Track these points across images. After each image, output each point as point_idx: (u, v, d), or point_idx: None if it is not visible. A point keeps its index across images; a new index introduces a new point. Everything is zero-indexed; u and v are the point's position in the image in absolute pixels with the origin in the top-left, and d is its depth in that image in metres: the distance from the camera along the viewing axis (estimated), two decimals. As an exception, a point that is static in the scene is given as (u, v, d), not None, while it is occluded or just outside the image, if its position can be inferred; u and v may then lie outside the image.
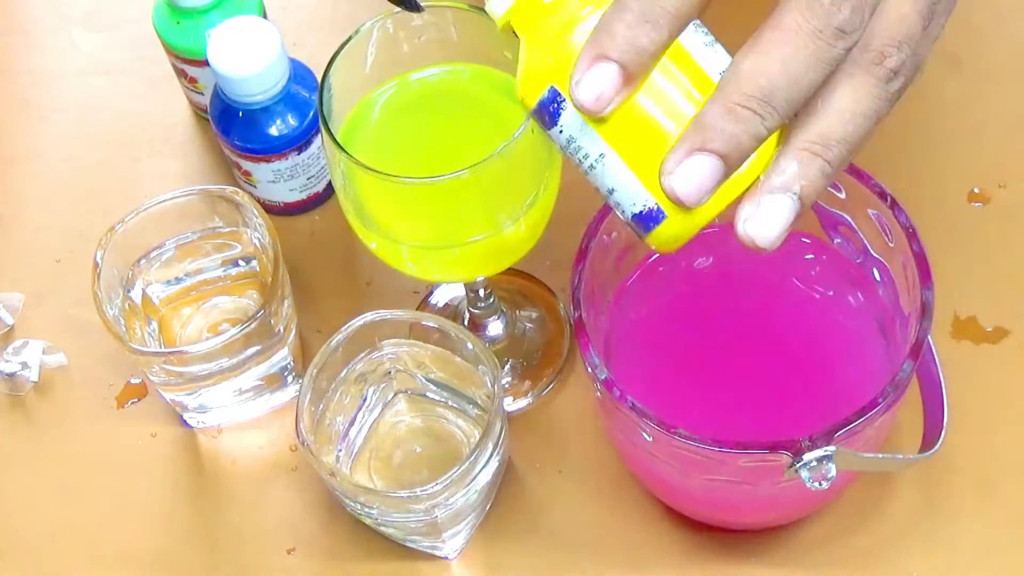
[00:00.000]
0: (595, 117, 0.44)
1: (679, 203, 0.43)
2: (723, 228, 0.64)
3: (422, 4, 0.53)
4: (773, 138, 0.44)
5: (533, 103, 0.46)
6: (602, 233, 0.59)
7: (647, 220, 0.45)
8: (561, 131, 0.45)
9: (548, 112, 0.45)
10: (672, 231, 0.45)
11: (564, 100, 0.44)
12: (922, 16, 0.44)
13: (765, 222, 0.43)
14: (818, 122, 0.43)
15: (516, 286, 0.73)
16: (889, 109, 0.44)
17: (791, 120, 0.43)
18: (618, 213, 0.46)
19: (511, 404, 0.69)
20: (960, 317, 0.69)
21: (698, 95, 0.44)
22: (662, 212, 0.45)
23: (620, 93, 0.43)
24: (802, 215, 0.44)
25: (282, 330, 0.67)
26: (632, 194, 0.45)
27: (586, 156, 0.45)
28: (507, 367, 0.70)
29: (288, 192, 0.75)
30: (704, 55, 0.44)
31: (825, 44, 0.41)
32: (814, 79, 0.42)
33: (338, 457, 0.65)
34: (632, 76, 0.42)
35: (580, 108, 0.43)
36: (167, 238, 0.69)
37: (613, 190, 0.45)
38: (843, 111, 0.43)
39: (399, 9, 0.53)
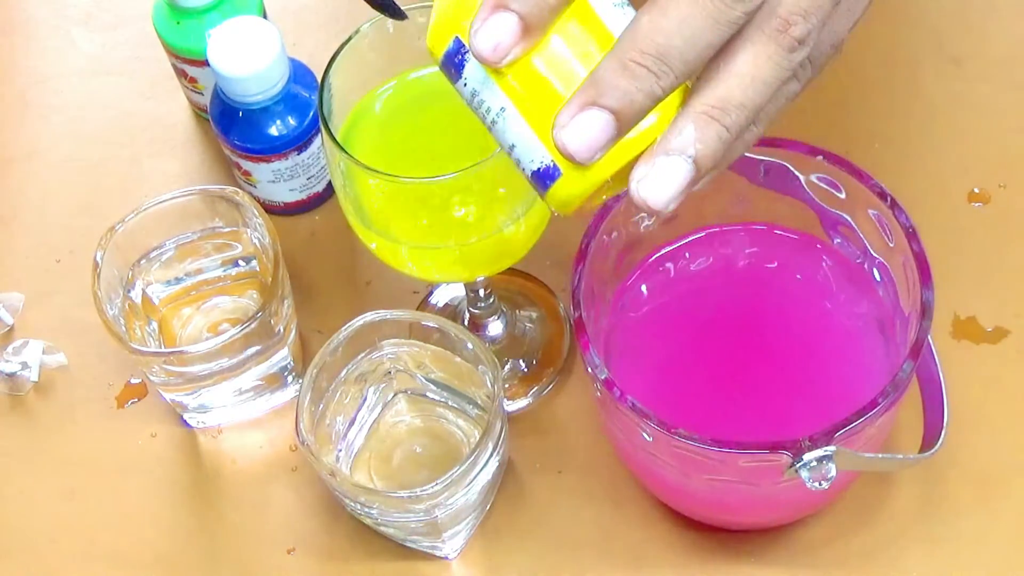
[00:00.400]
0: (495, 69, 0.43)
1: (570, 158, 0.42)
2: (723, 229, 0.64)
3: (406, 13, 0.53)
4: (675, 100, 0.43)
5: (440, 55, 0.45)
6: (602, 233, 0.59)
7: (544, 177, 0.45)
8: (465, 84, 0.45)
9: (453, 64, 0.45)
10: (567, 190, 0.45)
11: (467, 51, 0.44)
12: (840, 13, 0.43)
13: (658, 184, 0.42)
14: (718, 86, 0.42)
15: (516, 286, 0.73)
16: (796, 83, 0.43)
17: (693, 83, 0.43)
18: (519, 170, 0.46)
19: (511, 404, 0.69)
20: (960, 317, 0.69)
21: (598, 54, 0.43)
22: (558, 169, 0.44)
23: (518, 44, 0.42)
24: (697, 180, 0.43)
25: (282, 330, 0.67)
26: (530, 150, 0.44)
27: (488, 110, 0.45)
28: (507, 367, 0.70)
29: (288, 192, 0.75)
30: (610, 14, 0.43)
31: (724, 6, 0.41)
32: (712, 40, 0.41)
33: (338, 457, 0.65)
34: (531, 28, 0.42)
35: (478, 57, 0.43)
36: (167, 238, 0.69)
37: (514, 146, 0.45)
38: (743, 76, 0.42)
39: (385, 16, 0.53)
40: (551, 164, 0.44)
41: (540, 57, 0.43)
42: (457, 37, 0.44)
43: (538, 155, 0.44)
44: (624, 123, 0.42)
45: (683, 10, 0.41)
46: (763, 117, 0.43)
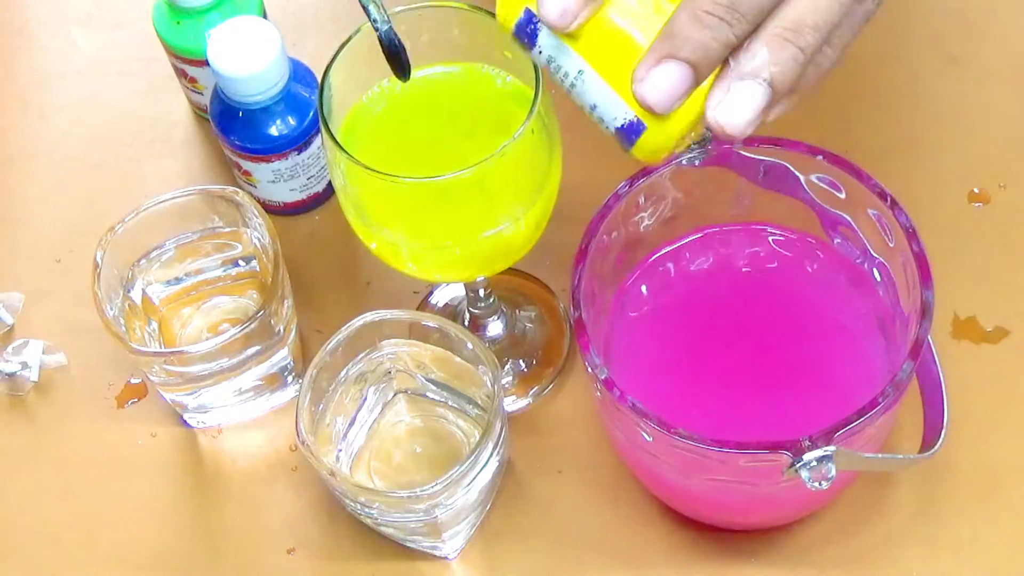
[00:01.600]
0: (567, 33, 0.44)
1: (650, 110, 0.43)
2: (723, 229, 0.64)
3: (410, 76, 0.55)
4: None
5: (511, 26, 0.46)
6: (602, 233, 0.59)
7: (629, 133, 0.46)
8: (540, 52, 0.46)
9: (525, 34, 0.46)
10: (653, 141, 0.46)
11: (538, 20, 0.45)
12: None
13: (735, 108, 0.42)
14: (790, 8, 0.42)
15: (516, 286, 0.73)
16: (870, 1, 0.43)
17: None
18: (603, 129, 0.47)
19: (511, 404, 0.69)
20: (960, 317, 0.69)
21: (668, 5, 0.44)
22: (642, 124, 0.45)
23: (585, 7, 0.43)
24: (774, 104, 0.43)
25: (282, 330, 0.67)
26: (612, 108, 0.45)
27: (566, 75, 0.46)
28: (507, 367, 0.70)
29: (288, 192, 0.75)
30: None
31: None
32: None
33: (338, 457, 0.65)
34: None
35: (548, 25, 0.44)
36: (167, 238, 0.69)
37: (595, 106, 0.46)
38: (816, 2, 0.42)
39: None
40: (635, 119, 0.45)
41: (611, 15, 0.44)
42: (527, 8, 0.45)
43: (620, 112, 0.45)
44: (701, 72, 0.42)
45: None
46: (837, 40, 0.44)
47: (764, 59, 0.42)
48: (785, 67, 0.42)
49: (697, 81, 0.43)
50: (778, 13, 0.42)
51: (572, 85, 0.46)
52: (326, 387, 0.64)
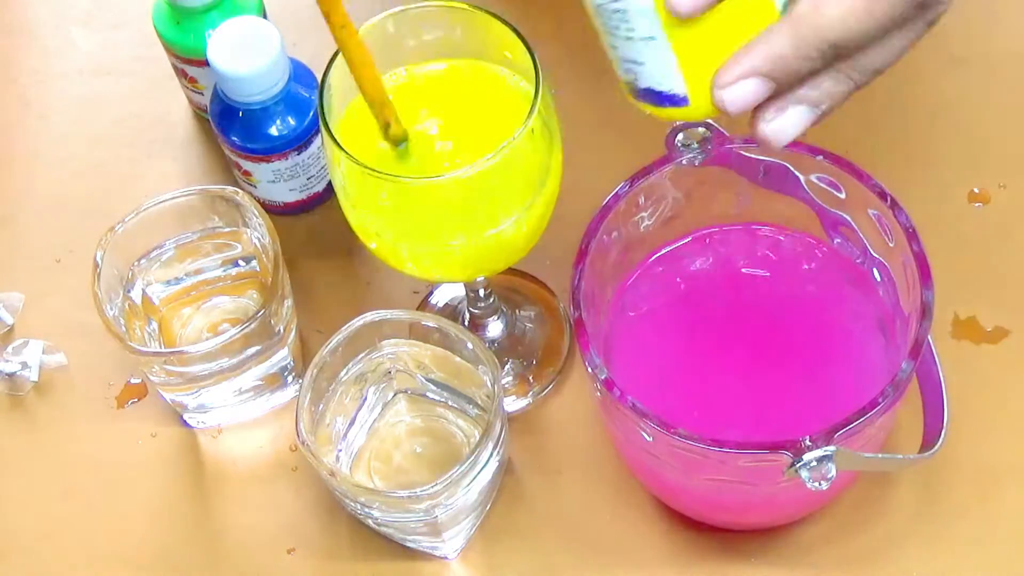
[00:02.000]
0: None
1: (724, 111, 0.45)
2: (723, 230, 0.64)
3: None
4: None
5: None
6: (602, 233, 0.59)
7: (665, 99, 0.47)
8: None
9: None
10: (686, 115, 0.47)
11: None
12: None
13: (787, 127, 0.45)
14: (866, 53, 0.44)
15: (516, 286, 0.73)
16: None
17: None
18: (626, 77, 0.47)
19: (511, 404, 0.69)
20: (960, 317, 0.69)
21: (762, 21, 0.45)
22: (686, 100, 0.46)
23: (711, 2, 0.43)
24: (816, 124, 0.46)
25: (282, 330, 0.67)
26: (664, 77, 0.46)
27: (630, 30, 0.46)
28: (507, 367, 0.70)
29: (288, 192, 0.75)
30: None
31: (901, 10, 0.43)
32: (891, 32, 0.44)
33: (338, 457, 0.65)
34: None
35: (671, 5, 0.43)
36: (167, 238, 0.69)
37: (642, 64, 0.46)
38: (890, 51, 0.45)
39: None
40: (682, 95, 0.46)
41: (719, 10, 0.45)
42: None
43: (670, 83, 0.46)
44: (780, 90, 0.44)
45: (873, 10, 0.43)
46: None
47: (826, 91, 0.45)
48: (839, 99, 0.46)
49: (770, 93, 0.45)
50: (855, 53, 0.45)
51: (628, 39, 0.46)
52: (326, 387, 0.64)
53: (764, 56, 0.44)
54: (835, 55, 0.44)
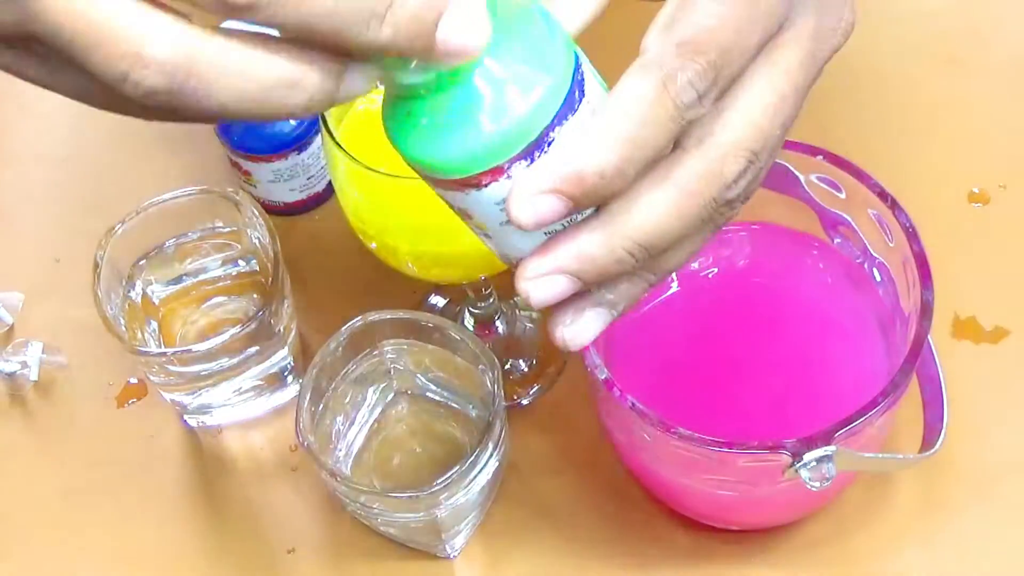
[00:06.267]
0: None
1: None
2: (723, 230, 0.64)
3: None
4: None
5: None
6: (602, 233, 0.59)
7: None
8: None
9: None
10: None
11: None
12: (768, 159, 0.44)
13: (585, 330, 0.44)
14: (665, 255, 0.43)
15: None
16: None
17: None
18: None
19: (511, 404, 0.69)
20: (960, 317, 0.69)
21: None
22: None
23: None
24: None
25: (282, 330, 0.67)
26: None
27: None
28: (507, 367, 0.70)
29: (288, 192, 0.75)
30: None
31: (715, 212, 0.42)
32: (693, 236, 0.43)
33: (338, 457, 0.65)
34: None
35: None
36: (167, 238, 0.69)
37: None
38: (685, 249, 0.43)
39: None
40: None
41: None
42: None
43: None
44: (587, 285, 0.43)
45: (680, 210, 0.41)
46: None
47: (623, 293, 0.43)
48: (636, 298, 0.44)
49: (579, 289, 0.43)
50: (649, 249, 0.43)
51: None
52: (326, 387, 0.64)
53: (578, 256, 0.42)
54: (647, 259, 0.42)
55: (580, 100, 0.41)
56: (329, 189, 0.76)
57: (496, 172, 0.40)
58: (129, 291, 0.68)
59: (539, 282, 0.42)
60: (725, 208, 0.42)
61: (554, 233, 0.42)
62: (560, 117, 0.40)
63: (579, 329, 0.44)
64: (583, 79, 0.41)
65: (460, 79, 0.39)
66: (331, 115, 0.57)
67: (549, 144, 0.40)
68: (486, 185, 0.41)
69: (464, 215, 0.43)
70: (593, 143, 0.40)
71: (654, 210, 0.41)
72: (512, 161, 0.40)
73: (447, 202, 0.43)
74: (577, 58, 0.41)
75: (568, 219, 0.41)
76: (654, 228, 0.41)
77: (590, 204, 0.41)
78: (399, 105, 0.41)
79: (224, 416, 0.70)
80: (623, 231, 0.41)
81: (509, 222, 0.41)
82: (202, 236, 0.69)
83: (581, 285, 0.42)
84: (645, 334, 0.63)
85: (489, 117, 0.39)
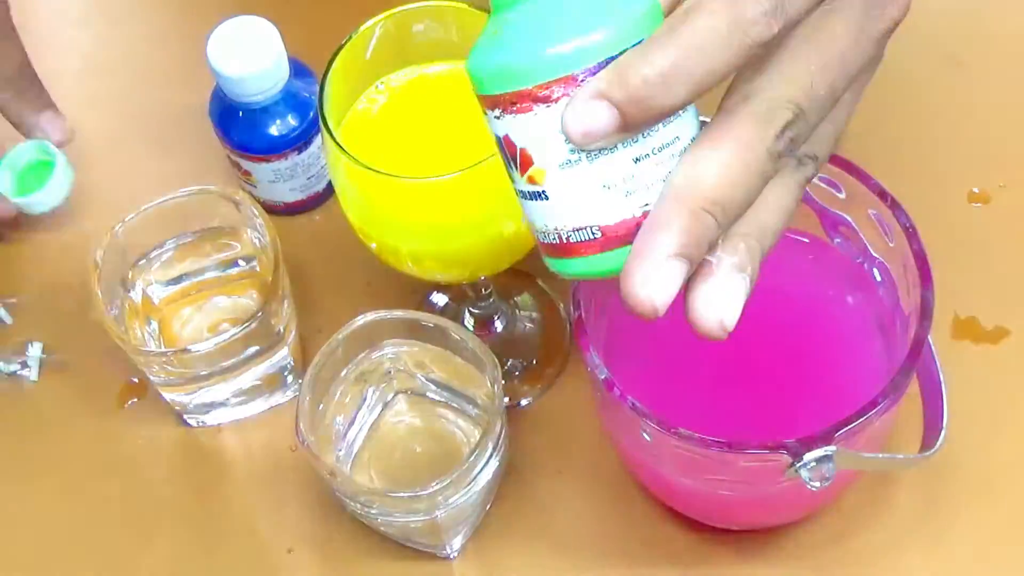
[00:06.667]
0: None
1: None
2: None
3: None
4: None
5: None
6: (602, 233, 0.59)
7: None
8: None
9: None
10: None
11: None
12: (836, 136, 0.46)
13: (728, 301, 0.43)
14: (758, 214, 0.43)
15: (516, 286, 0.73)
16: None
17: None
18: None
19: (511, 404, 0.69)
20: (960, 317, 0.69)
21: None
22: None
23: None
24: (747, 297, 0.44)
25: (282, 330, 0.67)
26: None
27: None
28: (507, 367, 0.70)
29: (288, 192, 0.75)
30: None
31: (772, 163, 0.42)
32: (759, 190, 0.43)
33: (338, 457, 0.65)
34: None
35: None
36: (167, 238, 0.69)
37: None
38: (777, 208, 0.44)
39: None
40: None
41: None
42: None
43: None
44: (691, 270, 0.42)
45: (742, 162, 0.42)
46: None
47: (745, 256, 0.43)
48: (756, 265, 0.44)
49: (687, 275, 0.42)
50: (746, 215, 0.43)
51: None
52: (326, 387, 0.64)
53: (668, 233, 0.41)
54: (728, 218, 0.42)
55: None
56: (329, 189, 0.76)
57: (569, 82, 0.40)
58: (129, 291, 0.68)
59: (652, 281, 0.41)
60: (781, 160, 0.42)
61: (612, 189, 0.41)
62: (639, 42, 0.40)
63: (722, 302, 0.43)
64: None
65: None
66: (331, 115, 0.57)
67: None
68: (556, 100, 0.40)
69: (524, 161, 0.42)
70: (642, 48, 0.40)
71: (716, 164, 0.41)
72: (587, 72, 0.39)
73: (511, 143, 0.42)
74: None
75: (628, 179, 0.41)
76: (720, 182, 0.41)
77: (636, 116, 0.40)
78: (489, 29, 0.41)
79: (224, 416, 0.70)
80: (694, 192, 0.41)
81: (569, 163, 0.40)
82: (202, 236, 0.69)
83: (689, 264, 0.41)
84: (645, 334, 0.63)
85: (573, 25, 0.39)
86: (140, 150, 0.80)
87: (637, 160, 0.41)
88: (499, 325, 0.71)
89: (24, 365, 0.72)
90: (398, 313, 0.63)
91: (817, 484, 0.53)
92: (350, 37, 0.58)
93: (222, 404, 0.70)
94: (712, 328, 0.43)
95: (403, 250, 0.59)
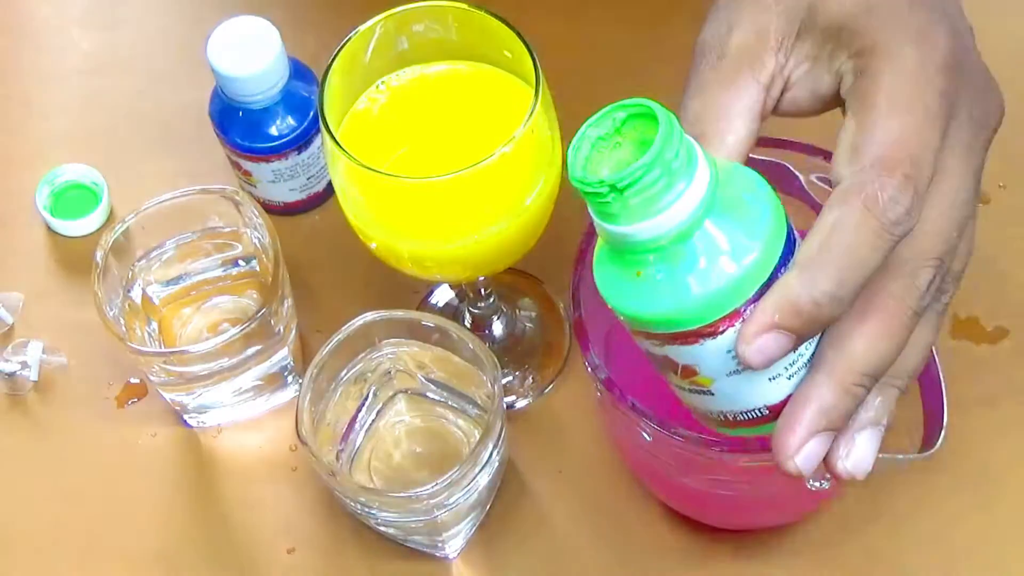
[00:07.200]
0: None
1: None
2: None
3: None
4: None
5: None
6: (602, 233, 0.59)
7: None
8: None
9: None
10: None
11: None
12: (970, 249, 0.47)
13: (863, 456, 0.45)
14: (902, 363, 0.45)
15: (516, 286, 0.73)
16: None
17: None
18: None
19: (511, 404, 0.69)
20: (960, 317, 0.69)
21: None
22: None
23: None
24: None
25: (282, 330, 0.67)
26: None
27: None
28: (507, 367, 0.70)
29: (288, 192, 0.75)
30: None
31: (919, 318, 0.44)
32: (908, 339, 0.44)
33: (338, 457, 0.65)
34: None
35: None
36: (167, 238, 0.69)
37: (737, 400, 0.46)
38: (917, 349, 0.46)
39: None
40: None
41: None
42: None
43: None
44: (839, 429, 0.45)
45: (891, 333, 0.44)
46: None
47: (879, 406, 0.45)
48: (892, 407, 0.46)
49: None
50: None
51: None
52: (326, 387, 0.64)
53: (819, 412, 0.43)
54: (876, 381, 0.44)
55: (797, 242, 0.43)
56: (329, 189, 0.76)
57: (734, 316, 0.42)
58: (129, 291, 0.68)
59: (802, 454, 0.44)
60: (927, 310, 0.44)
61: (777, 378, 0.44)
62: (784, 260, 0.42)
63: (859, 458, 0.45)
64: (791, 224, 0.43)
65: (693, 235, 0.41)
66: (331, 115, 0.57)
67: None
68: (723, 332, 0.42)
69: (687, 372, 0.44)
70: (804, 273, 0.41)
71: (864, 340, 0.43)
72: (748, 304, 0.42)
73: (671, 360, 0.44)
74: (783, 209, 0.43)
75: (791, 364, 0.43)
76: (870, 356, 0.43)
77: (811, 333, 0.42)
78: (622, 265, 0.43)
79: (224, 416, 0.70)
80: (845, 370, 0.43)
81: (737, 371, 0.43)
82: (202, 236, 0.69)
83: (834, 435, 0.44)
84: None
85: (727, 262, 0.41)
86: (140, 150, 0.80)
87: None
88: (499, 325, 0.71)
89: (24, 365, 0.72)
90: (398, 313, 0.63)
91: (817, 484, 0.53)
92: (350, 37, 0.58)
93: (222, 404, 0.70)
94: (844, 478, 0.45)
95: (403, 250, 0.59)
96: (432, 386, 0.67)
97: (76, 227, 0.76)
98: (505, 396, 0.65)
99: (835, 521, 0.65)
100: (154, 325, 0.70)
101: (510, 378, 0.70)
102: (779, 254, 0.42)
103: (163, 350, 0.69)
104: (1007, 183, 0.73)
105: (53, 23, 0.86)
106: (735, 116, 0.46)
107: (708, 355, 0.43)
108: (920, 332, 0.45)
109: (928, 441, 0.59)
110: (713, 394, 0.45)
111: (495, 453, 0.61)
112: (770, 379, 0.44)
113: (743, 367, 0.43)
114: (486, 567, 0.66)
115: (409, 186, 0.55)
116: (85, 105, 0.83)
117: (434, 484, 0.58)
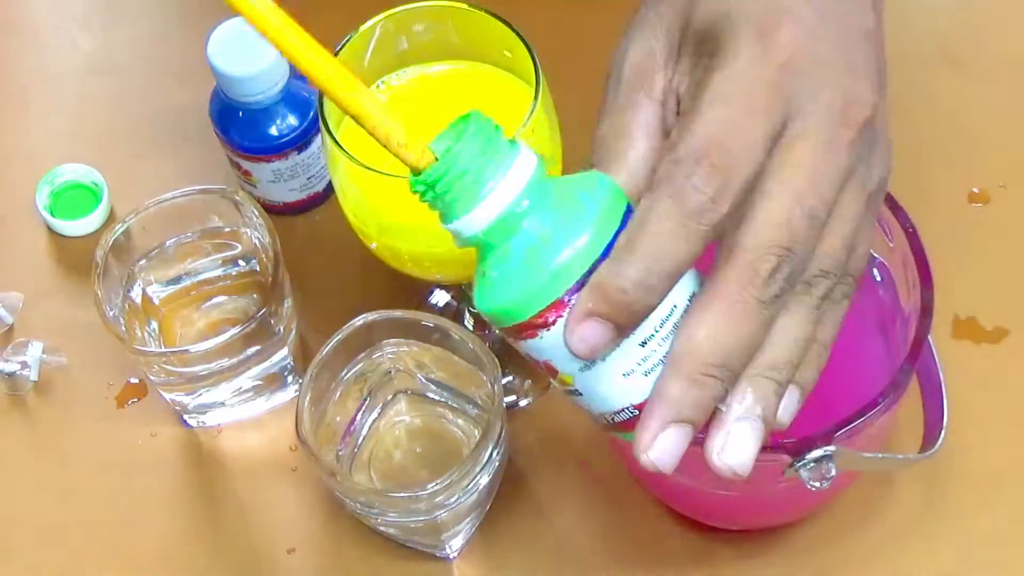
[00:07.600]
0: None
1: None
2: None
3: None
4: None
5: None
6: (602, 233, 0.59)
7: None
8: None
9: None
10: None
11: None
12: (846, 245, 0.46)
13: (738, 449, 0.44)
14: (764, 352, 0.44)
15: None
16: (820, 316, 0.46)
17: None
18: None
19: (511, 404, 0.69)
20: (960, 317, 0.69)
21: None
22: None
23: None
24: (767, 434, 0.45)
25: (282, 330, 0.67)
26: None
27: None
28: (507, 367, 0.70)
29: (288, 192, 0.75)
30: None
31: (768, 308, 0.43)
32: (762, 334, 0.44)
33: (338, 457, 0.65)
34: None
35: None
36: (167, 238, 0.69)
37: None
38: (784, 340, 0.44)
39: None
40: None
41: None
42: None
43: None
44: (699, 427, 0.44)
45: (734, 319, 0.43)
46: (814, 351, 0.47)
47: (752, 399, 0.44)
48: (770, 402, 0.45)
49: (695, 433, 0.44)
50: (756, 357, 0.45)
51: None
52: (326, 387, 0.64)
53: (664, 402, 0.43)
54: (736, 369, 0.44)
55: None
56: (329, 189, 0.76)
57: (559, 306, 0.42)
58: (129, 291, 0.68)
59: (655, 447, 0.43)
60: (779, 300, 0.43)
61: (631, 374, 0.44)
62: (608, 252, 0.42)
63: (737, 452, 0.44)
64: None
65: (518, 231, 0.42)
66: (331, 115, 0.57)
67: None
68: (553, 323, 0.43)
69: (550, 371, 0.45)
70: (611, 261, 0.42)
71: (704, 328, 0.43)
72: (570, 293, 0.42)
73: (532, 358, 0.45)
74: (628, 206, 0.43)
75: (644, 360, 0.43)
76: (712, 345, 0.43)
77: (627, 321, 0.42)
78: (479, 270, 0.44)
79: (224, 416, 0.70)
80: (689, 359, 0.43)
81: (586, 367, 0.43)
82: (202, 236, 0.69)
83: (692, 427, 0.44)
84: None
85: (547, 253, 0.42)
86: (140, 150, 0.80)
87: (644, 343, 0.43)
88: (499, 325, 0.71)
89: (24, 365, 0.72)
90: (398, 313, 0.63)
91: (817, 484, 0.53)
92: (350, 37, 0.58)
93: (222, 404, 0.70)
94: (726, 474, 0.45)
95: (403, 250, 0.59)
96: (432, 386, 0.67)
97: (76, 227, 0.76)
98: (505, 396, 0.65)
99: (835, 521, 0.65)
100: (154, 325, 0.70)
101: (510, 378, 0.70)
102: (604, 246, 0.42)
103: (163, 350, 0.69)
104: (1007, 183, 0.73)
105: (53, 23, 0.86)
106: (634, 133, 0.46)
107: (551, 349, 0.43)
108: (788, 324, 0.44)
109: (928, 441, 0.59)
110: (581, 393, 0.45)
111: (495, 453, 0.61)
112: (624, 375, 0.44)
113: (582, 360, 0.43)
114: (486, 567, 0.66)
115: (409, 186, 0.55)
116: (85, 105, 0.83)
117: (434, 484, 0.58)
